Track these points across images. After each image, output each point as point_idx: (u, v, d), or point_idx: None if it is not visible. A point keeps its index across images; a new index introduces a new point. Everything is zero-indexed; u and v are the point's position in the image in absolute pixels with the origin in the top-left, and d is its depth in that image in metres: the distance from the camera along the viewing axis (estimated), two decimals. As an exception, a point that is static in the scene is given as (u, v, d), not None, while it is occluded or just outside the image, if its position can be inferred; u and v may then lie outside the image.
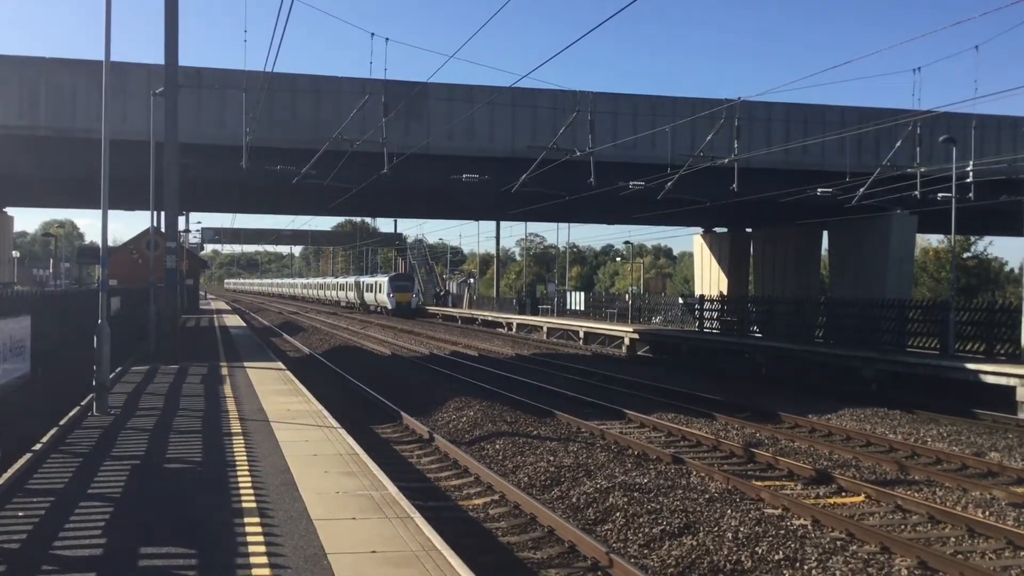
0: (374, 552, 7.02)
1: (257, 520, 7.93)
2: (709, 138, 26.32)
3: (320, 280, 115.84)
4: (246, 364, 23.51)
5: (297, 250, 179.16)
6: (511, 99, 29.62)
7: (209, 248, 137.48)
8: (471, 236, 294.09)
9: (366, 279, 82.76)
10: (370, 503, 8.65)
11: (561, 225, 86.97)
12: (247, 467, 10.25)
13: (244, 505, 8.50)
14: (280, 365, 23.87)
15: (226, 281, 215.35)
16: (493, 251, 76.14)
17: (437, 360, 32.52)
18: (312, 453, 11.16)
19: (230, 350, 28.24)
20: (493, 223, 65.57)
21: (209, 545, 7.21)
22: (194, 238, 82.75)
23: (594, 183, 26.11)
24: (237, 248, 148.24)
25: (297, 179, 27.85)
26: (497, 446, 15.74)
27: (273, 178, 28.83)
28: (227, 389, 18.00)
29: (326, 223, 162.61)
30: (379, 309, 74.39)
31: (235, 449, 11.40)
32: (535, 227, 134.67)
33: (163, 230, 26.61)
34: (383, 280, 74.35)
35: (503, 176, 29.05)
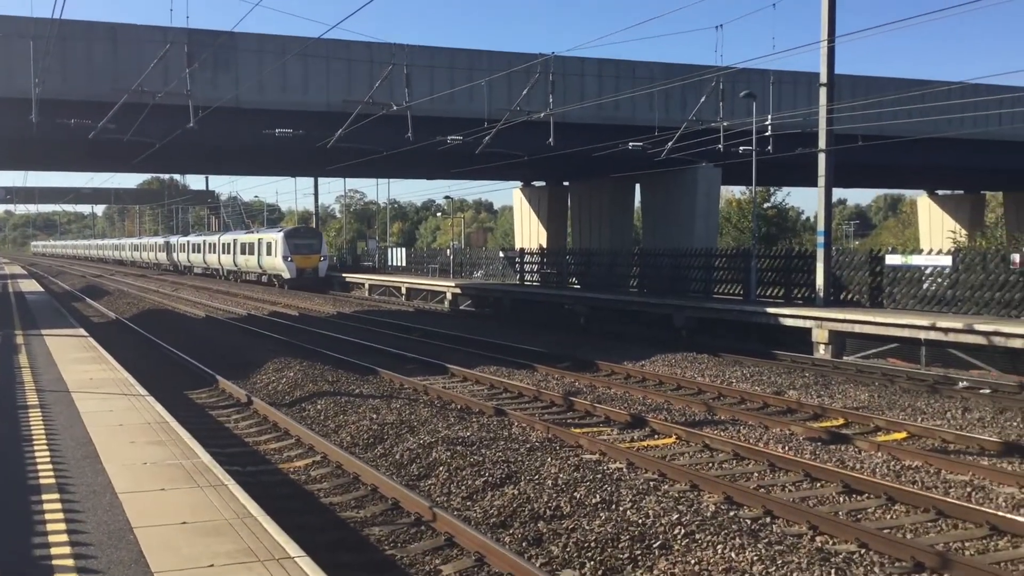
0: (184, 523, 6.73)
1: (56, 496, 7.45)
2: (525, 92, 26.53)
3: (157, 240, 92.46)
4: (44, 332, 22.05)
5: (100, 209, 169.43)
6: (325, 51, 28.78)
7: (0, 209, 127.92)
8: (288, 193, 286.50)
9: (242, 236, 61.17)
10: (181, 472, 8.29)
11: (381, 181, 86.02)
12: (45, 441, 9.62)
13: (42, 481, 7.97)
14: (82, 332, 22.52)
15: (33, 244, 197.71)
16: (312, 208, 72.61)
17: (255, 321, 31.59)
18: (118, 423, 10.59)
19: (26, 317, 26.41)
20: (311, 179, 63.91)
21: (1, 524, 6.71)
22: (-18, 199, 76.21)
23: (412, 138, 25.85)
24: (32, 208, 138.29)
25: (94, 134, 26.14)
26: (319, 406, 15.46)
27: (68, 133, 26.93)
28: (22, 359, 16.83)
29: (131, 180, 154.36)
30: (266, 278, 56.66)
31: (31, 422, 10.66)
32: (355, 183, 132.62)
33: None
34: (276, 237, 53.41)
35: (319, 131, 28.30)
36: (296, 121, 28.14)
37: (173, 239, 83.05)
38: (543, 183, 46.59)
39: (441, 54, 30.17)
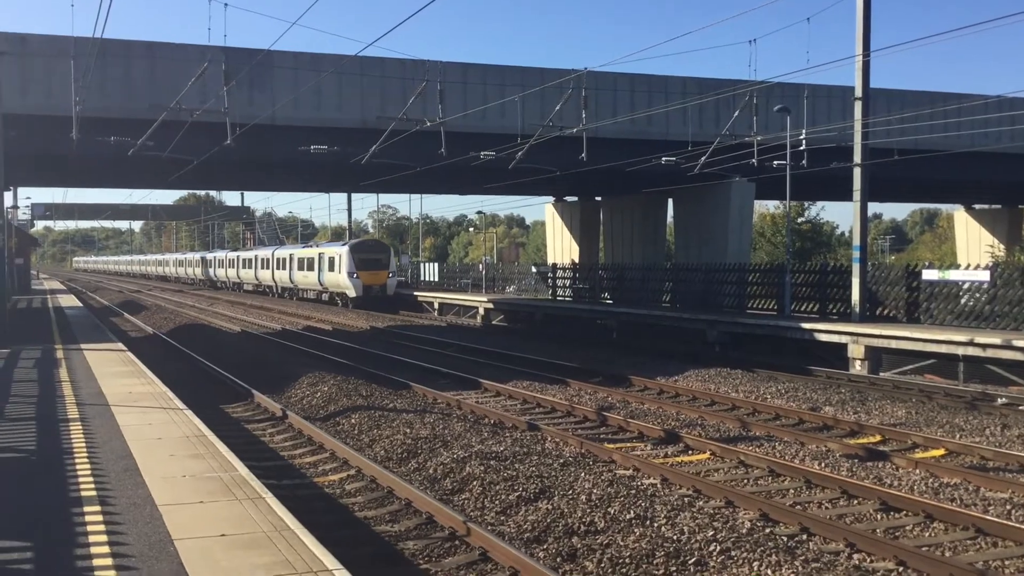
0: (223, 535, 6.81)
1: (98, 508, 7.57)
2: (558, 107, 26.60)
3: (202, 255, 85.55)
4: (83, 346, 22.38)
5: (137, 225, 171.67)
6: (359, 68, 29.08)
7: (40, 225, 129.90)
8: (322, 209, 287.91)
9: (300, 250, 55.91)
10: (219, 485, 8.38)
11: (414, 196, 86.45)
12: (86, 454, 9.77)
13: (83, 494, 8.09)
14: (121, 346, 22.83)
15: (75, 259, 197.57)
16: (345, 224, 72.46)
17: (289, 335, 31.85)
18: (156, 436, 10.73)
19: (65, 332, 26.82)
20: (344, 195, 64.40)
21: (45, 537, 6.83)
22: (23, 214, 76.95)
23: (445, 153, 26.00)
24: (71, 224, 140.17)
25: (133, 151, 26.56)
26: (352, 420, 15.56)
27: (107, 150, 27.39)
28: (63, 373, 17.10)
29: (168, 196, 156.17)
30: (327, 296, 51.26)
31: (72, 435, 10.84)
32: (388, 198, 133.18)
33: (-13, 207, 24.90)
34: (340, 251, 48.10)
35: (353, 147, 28.56)
36: (330, 137, 28.42)
37: (220, 254, 77.98)
38: (575, 198, 46.63)
39: (474, 70, 30.36)
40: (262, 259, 62.95)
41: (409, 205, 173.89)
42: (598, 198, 45.64)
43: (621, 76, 31.67)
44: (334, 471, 12.34)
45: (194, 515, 7.37)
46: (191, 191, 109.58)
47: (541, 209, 51.38)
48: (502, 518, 9.97)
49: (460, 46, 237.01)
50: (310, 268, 52.28)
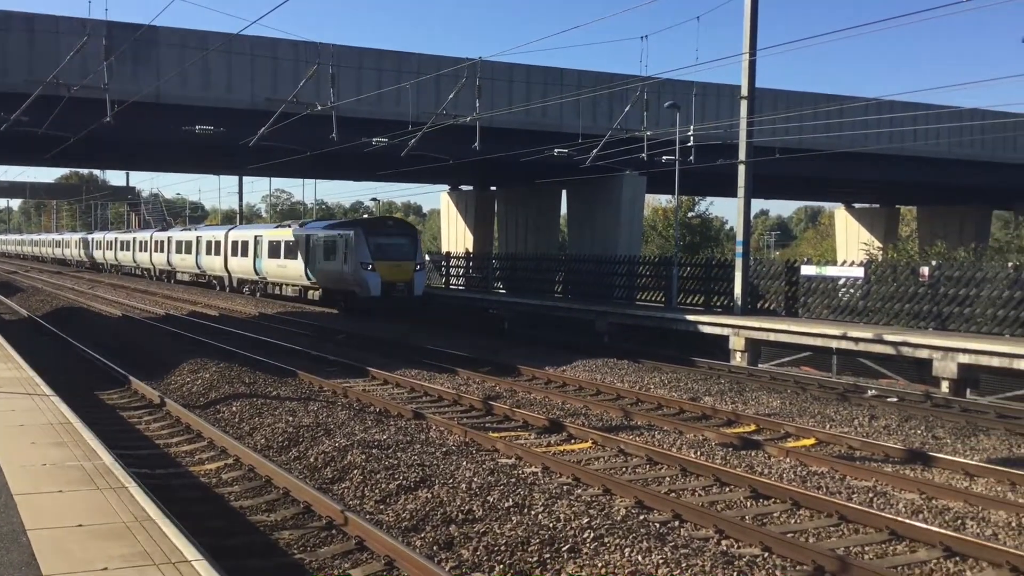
0: (81, 525, 6.56)
1: (-52, 500, 7.19)
2: (452, 96, 26.48)
3: (102, 236, 71.85)
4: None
5: (16, 204, 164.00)
6: (250, 49, 28.36)
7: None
8: (212, 191, 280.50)
9: (270, 231, 42.63)
10: (81, 474, 8.07)
11: (308, 181, 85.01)
12: (-60, 442, 9.28)
13: (-67, 484, 7.68)
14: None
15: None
16: (236, 207, 69.59)
17: (173, 321, 30.93)
18: (18, 423, 10.27)
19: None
20: (236, 178, 62.78)
21: None
22: None
23: (336, 138, 25.59)
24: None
25: (6, 126, 25.30)
26: (234, 408, 15.23)
27: (-22, 124, 26.01)
28: (-77, 357, 16.22)
29: (49, 175, 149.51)
30: (317, 294, 37.68)
31: (-73, 423, 10.28)
32: (281, 183, 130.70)
33: None
34: (347, 235, 34.40)
35: (242, 129, 27.80)
36: (219, 118, 27.63)
37: (132, 235, 64.77)
38: (470, 187, 46.59)
39: (369, 55, 29.97)
40: (207, 242, 49.80)
41: (303, 190, 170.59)
42: (493, 188, 45.70)
43: (517, 67, 31.74)
44: (211, 460, 12.07)
45: (52, 505, 7.08)
46: (73, 169, 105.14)
47: (437, 197, 50.99)
48: (381, 507, 9.91)
49: (356, 32, 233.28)
50: (289, 255, 39.28)
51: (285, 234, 40.28)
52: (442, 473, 10.72)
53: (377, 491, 10.33)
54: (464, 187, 47.07)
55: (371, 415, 14.73)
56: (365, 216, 44.98)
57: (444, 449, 12.19)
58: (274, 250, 40.94)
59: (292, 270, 39.29)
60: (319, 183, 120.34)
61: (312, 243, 37.29)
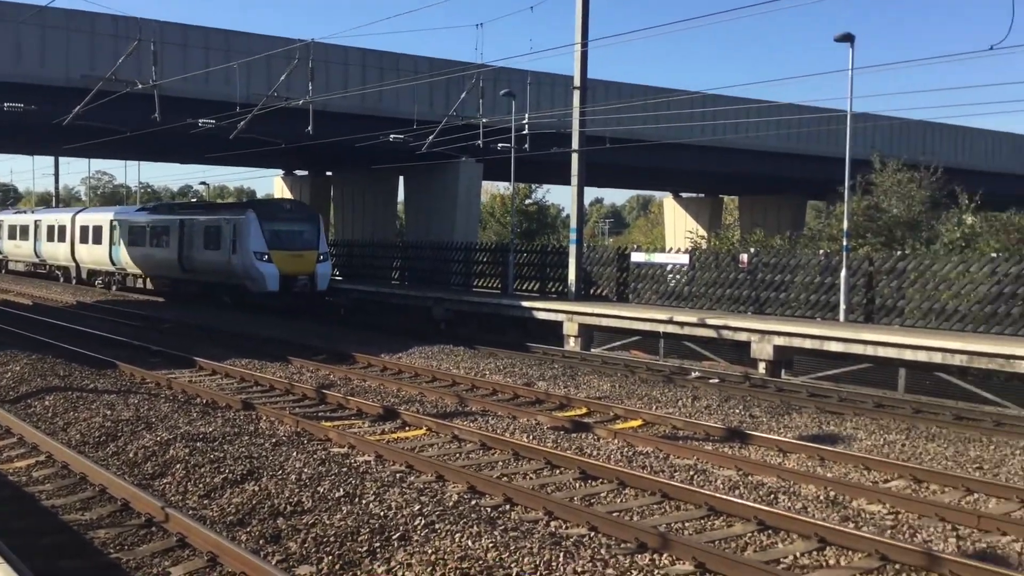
0: None
1: None
2: (284, 77, 25.78)
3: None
4: None
5: None
6: (65, 22, 26.78)
7: None
8: (25, 172, 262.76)
9: (132, 215, 37.74)
10: None
11: (132, 163, 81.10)
12: None
13: None
14: None
15: None
16: (53, 189, 65.57)
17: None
18: None
19: None
20: (51, 159, 59.16)
21: None
22: None
23: (159, 119, 24.46)
24: None
25: None
26: (47, 403, 14.38)
27: None
28: None
29: None
30: (209, 287, 32.44)
31: None
32: (103, 164, 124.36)
33: None
34: (236, 219, 30.10)
35: (58, 106, 26.19)
36: (30, 95, 25.93)
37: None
38: (305, 172, 45.64)
39: (195, 32, 28.83)
40: (18, 226, 45.28)
41: (125, 172, 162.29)
42: (329, 173, 44.92)
43: (352, 50, 31.26)
44: (21, 457, 11.38)
45: None
46: None
47: (272, 183, 49.49)
48: (205, 502, 9.59)
49: (183, 10, 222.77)
50: (158, 243, 34.70)
51: (151, 218, 35.72)
52: (271, 465, 10.48)
53: (201, 486, 9.99)
54: (299, 172, 46.07)
55: (197, 407, 14.22)
56: (244, 200, 41.28)
57: (274, 440, 11.92)
58: (137, 236, 36.17)
59: (161, 260, 34.46)
60: (144, 165, 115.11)
61: (189, 229, 32.54)
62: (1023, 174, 48.94)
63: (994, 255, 20.61)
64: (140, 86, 23.79)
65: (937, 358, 17.40)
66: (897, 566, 7.97)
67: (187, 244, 32.66)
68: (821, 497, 10.17)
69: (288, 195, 46.03)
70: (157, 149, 38.51)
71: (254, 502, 9.29)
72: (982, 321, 19.11)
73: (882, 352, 18.22)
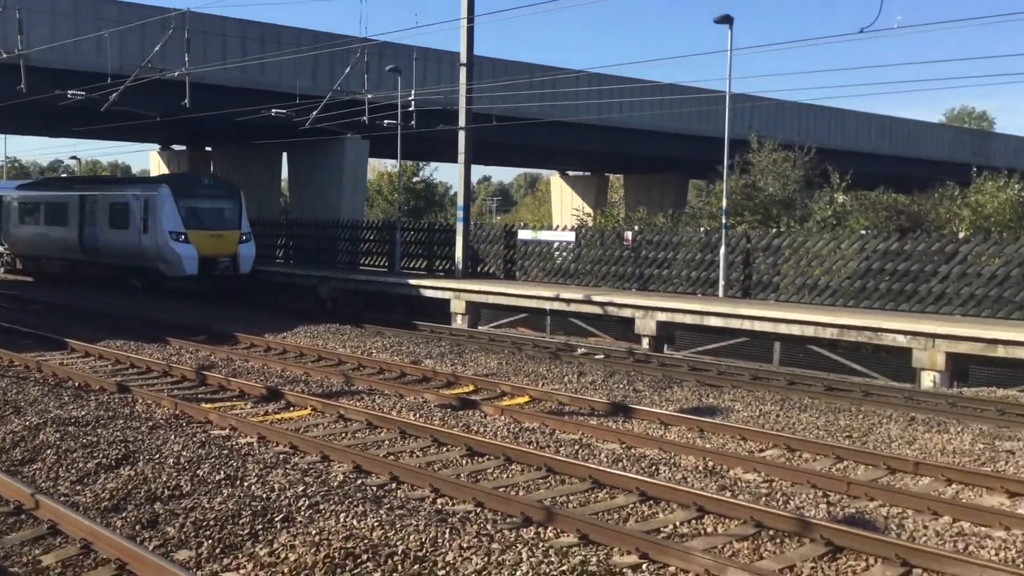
0: None
1: None
2: (158, 48, 24.84)
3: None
4: None
5: None
6: (-82, -16, 25.15)
7: None
8: None
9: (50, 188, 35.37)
10: None
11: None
12: None
13: None
14: None
15: None
16: None
17: None
18: None
19: None
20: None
21: None
22: None
23: (25, 90, 23.27)
24: None
25: None
26: (-99, 390, 13.58)
27: None
28: None
29: None
30: (115, 270, 29.55)
31: None
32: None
33: None
34: (148, 195, 27.81)
35: (-89, 75, 24.69)
36: None
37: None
38: (183, 147, 44.19)
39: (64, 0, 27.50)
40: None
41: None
42: (208, 148, 43.61)
43: (230, 20, 30.35)
44: None
45: None
46: None
47: (147, 157, 47.78)
48: (78, 488, 9.24)
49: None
50: (59, 221, 31.52)
51: (44, 195, 33.16)
52: (148, 448, 10.17)
53: (74, 471, 9.62)
54: (176, 147, 44.59)
55: (69, 390, 13.69)
56: (105, 174, 36.77)
57: (151, 423, 11.57)
58: (28, 215, 33.34)
59: (57, 241, 31.61)
60: (11, 139, 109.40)
61: (91, 206, 29.96)
62: (891, 154, 51.14)
63: (863, 232, 21.54)
64: (4, 55, 22.59)
65: (809, 332, 18.12)
66: (771, 532, 8.27)
67: (89, 223, 30.09)
68: (700, 467, 10.47)
69: (165, 170, 44.49)
70: (23, 122, 36.68)
71: (130, 487, 9.00)
72: (852, 296, 19.97)
73: (758, 326, 18.86)
